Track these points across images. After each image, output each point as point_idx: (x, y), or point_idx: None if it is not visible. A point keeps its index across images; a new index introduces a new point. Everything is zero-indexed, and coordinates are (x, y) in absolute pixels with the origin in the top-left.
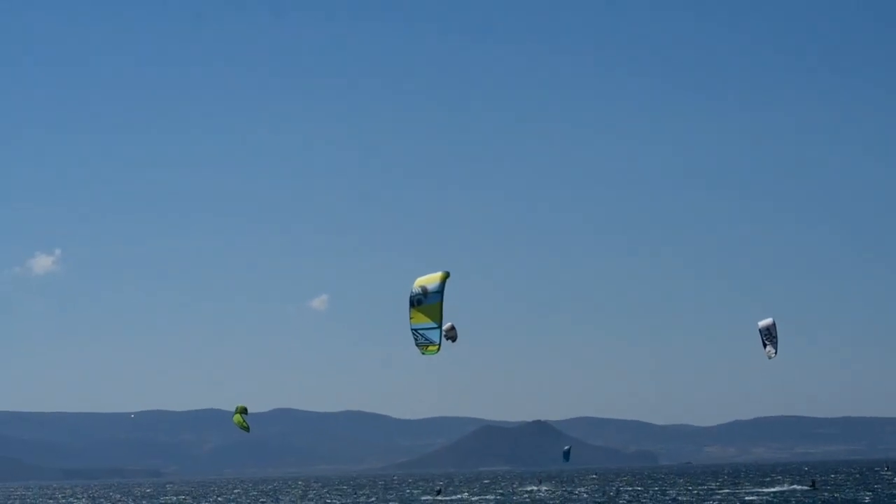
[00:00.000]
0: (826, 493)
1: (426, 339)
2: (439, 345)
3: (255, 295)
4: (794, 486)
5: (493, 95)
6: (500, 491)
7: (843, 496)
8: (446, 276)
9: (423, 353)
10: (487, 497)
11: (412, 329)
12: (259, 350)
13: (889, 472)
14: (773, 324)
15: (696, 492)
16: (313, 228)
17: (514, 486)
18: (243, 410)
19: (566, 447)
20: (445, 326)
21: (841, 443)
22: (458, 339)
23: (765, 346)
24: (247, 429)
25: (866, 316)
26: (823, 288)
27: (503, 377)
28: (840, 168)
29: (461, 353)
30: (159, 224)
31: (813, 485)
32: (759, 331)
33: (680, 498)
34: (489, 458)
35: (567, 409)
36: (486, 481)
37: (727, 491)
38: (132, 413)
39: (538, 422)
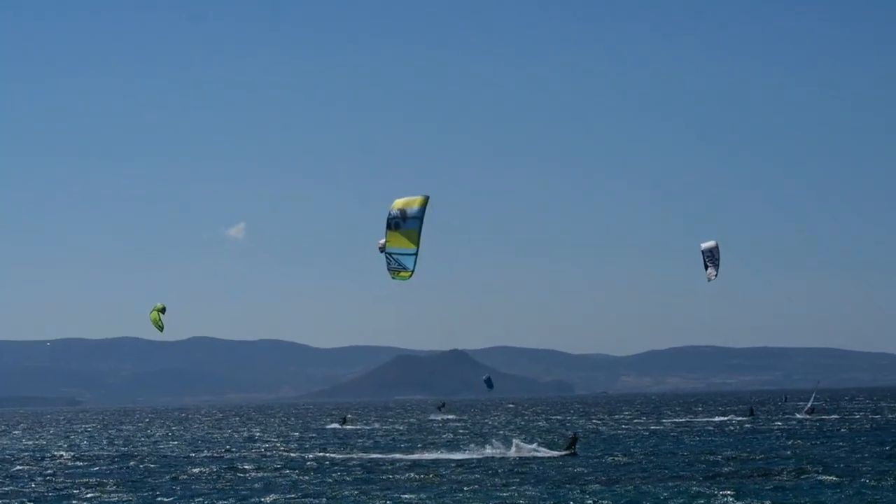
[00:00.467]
0: (762, 421)
1: (399, 265)
2: (412, 271)
3: (172, 223)
4: (733, 417)
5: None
6: (411, 420)
7: (777, 426)
8: (427, 200)
9: (393, 278)
10: (398, 426)
11: (387, 252)
12: (176, 278)
13: (787, 403)
14: (717, 246)
15: (616, 419)
16: (230, 156)
17: (426, 415)
18: (161, 309)
19: (486, 376)
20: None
21: (755, 373)
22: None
23: (706, 267)
24: (161, 328)
25: (781, 246)
26: (738, 218)
27: (419, 306)
28: (774, 97)
29: (377, 283)
30: (75, 149)
31: (751, 412)
32: (702, 252)
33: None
34: (405, 388)
35: (483, 339)
36: (398, 410)
37: (646, 419)
38: (48, 341)
39: (454, 351)
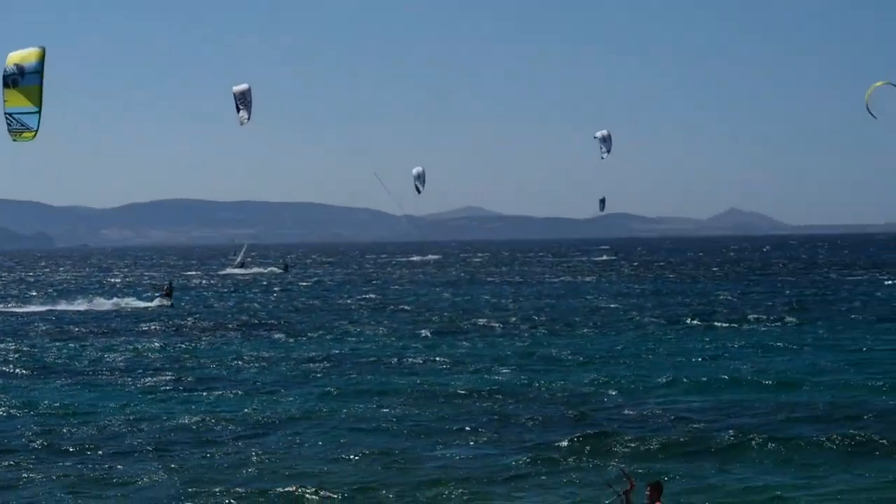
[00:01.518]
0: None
1: (22, 125)
2: (36, 131)
3: None
4: (272, 269)
5: None
6: None
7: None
8: (44, 51)
9: (15, 140)
10: None
11: (6, 113)
12: None
13: (235, 256)
14: (249, 90)
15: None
16: None
17: None
18: None
19: None
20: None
21: (239, 227)
22: None
23: (238, 110)
24: None
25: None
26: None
27: None
28: None
29: None
30: None
31: (286, 268)
32: (234, 95)
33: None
34: None
35: None
36: None
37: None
38: None
39: None
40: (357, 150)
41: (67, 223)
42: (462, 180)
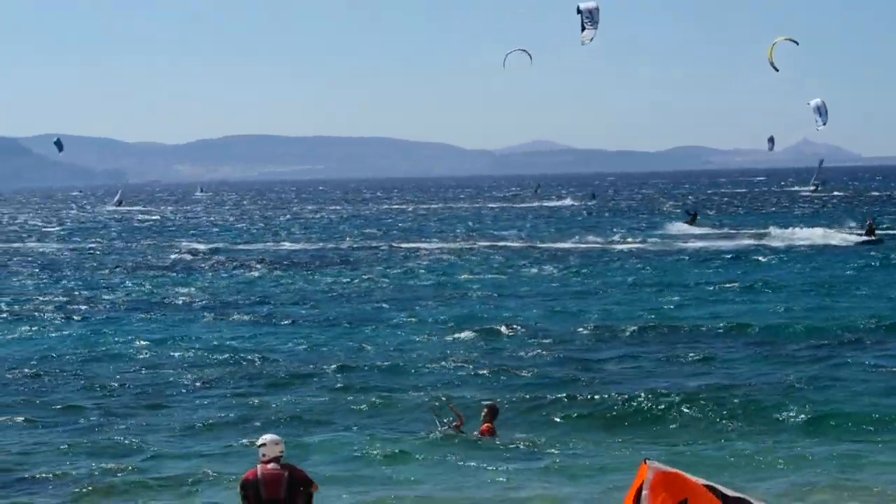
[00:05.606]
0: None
1: None
2: None
3: None
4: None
5: None
6: None
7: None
8: None
9: None
10: None
11: None
12: None
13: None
14: (597, 8)
15: None
16: None
17: None
18: None
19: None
20: None
21: (309, 162)
22: None
23: (584, 28)
24: None
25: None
26: None
27: None
28: None
29: None
30: None
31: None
32: (581, 12)
33: None
34: None
35: (31, 126)
36: None
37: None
38: None
39: (4, 138)
40: (428, 81)
41: (141, 159)
42: (531, 112)
